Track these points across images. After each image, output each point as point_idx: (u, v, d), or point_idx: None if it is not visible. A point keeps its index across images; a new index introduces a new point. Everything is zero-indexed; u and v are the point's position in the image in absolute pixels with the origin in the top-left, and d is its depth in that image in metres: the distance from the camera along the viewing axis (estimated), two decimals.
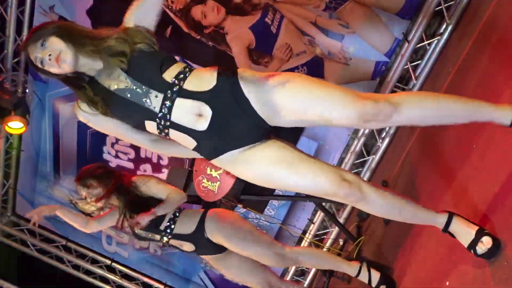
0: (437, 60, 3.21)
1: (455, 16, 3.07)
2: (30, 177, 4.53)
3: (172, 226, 2.51)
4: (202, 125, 1.54)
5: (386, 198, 1.56)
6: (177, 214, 2.54)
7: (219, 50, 3.51)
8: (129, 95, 1.56)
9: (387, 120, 1.45)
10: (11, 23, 3.77)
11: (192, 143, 1.59)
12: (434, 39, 3.20)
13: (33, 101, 4.06)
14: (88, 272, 4.64)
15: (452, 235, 1.63)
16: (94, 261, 4.62)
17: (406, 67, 3.31)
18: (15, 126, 3.83)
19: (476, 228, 1.57)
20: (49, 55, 1.56)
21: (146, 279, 4.59)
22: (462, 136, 2.17)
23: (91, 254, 4.60)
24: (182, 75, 1.55)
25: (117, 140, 4.09)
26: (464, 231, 1.58)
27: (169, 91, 1.53)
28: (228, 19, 3.41)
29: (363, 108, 1.44)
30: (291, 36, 3.40)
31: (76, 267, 4.64)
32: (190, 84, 1.54)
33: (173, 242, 2.58)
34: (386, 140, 3.51)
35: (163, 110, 1.54)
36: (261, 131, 1.57)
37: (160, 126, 1.57)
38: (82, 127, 4.12)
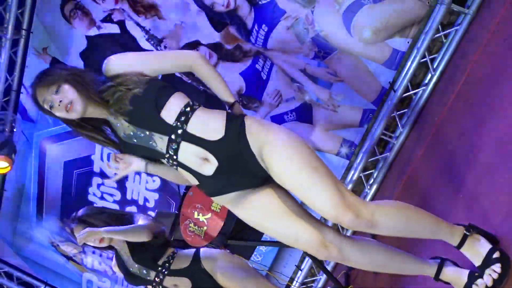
0: (423, 109, 3.29)
1: (440, 68, 3.18)
2: (11, 218, 4.42)
3: (171, 261, 2.52)
4: (207, 170, 1.57)
5: (369, 255, 1.59)
6: (175, 252, 2.59)
7: (210, 94, 3.55)
8: (135, 141, 1.59)
9: (360, 229, 1.51)
10: (3, 63, 3.80)
11: (196, 182, 1.64)
12: (420, 89, 3.29)
13: (20, 140, 4.03)
14: None
15: (445, 282, 1.61)
16: None
17: (392, 115, 3.38)
18: None
19: (467, 272, 1.55)
20: (60, 101, 1.58)
21: None
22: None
23: None
24: (183, 117, 1.53)
25: (103, 181, 4.04)
26: (455, 278, 1.57)
27: (173, 135, 1.54)
28: (219, 65, 3.48)
29: (343, 217, 1.47)
30: (281, 83, 3.47)
31: None
32: (195, 128, 1.53)
33: (168, 280, 2.54)
34: (374, 187, 3.53)
35: (169, 152, 1.57)
36: (260, 179, 1.61)
37: (169, 163, 1.62)
38: (68, 168, 4.08)
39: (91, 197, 4.13)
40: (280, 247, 3.76)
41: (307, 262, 3.80)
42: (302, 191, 1.49)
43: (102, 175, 4.00)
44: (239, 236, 2.66)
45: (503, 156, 1.77)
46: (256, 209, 1.60)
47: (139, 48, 3.47)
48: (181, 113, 1.53)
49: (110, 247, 2.60)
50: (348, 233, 2.86)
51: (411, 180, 2.89)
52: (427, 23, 3.09)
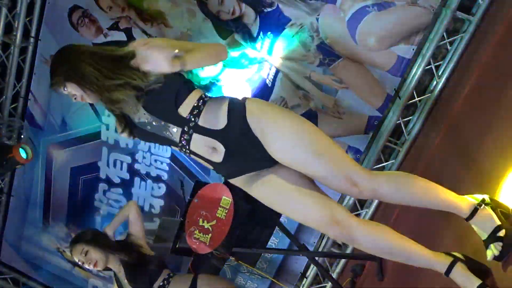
0: (428, 117, 3.28)
1: (445, 74, 3.18)
2: (18, 223, 4.45)
3: (166, 286, 2.52)
4: (217, 157, 1.68)
5: (377, 240, 1.59)
6: (171, 275, 2.56)
7: None
8: (149, 128, 1.69)
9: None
10: (12, 71, 3.84)
11: (210, 167, 1.76)
12: (425, 96, 3.29)
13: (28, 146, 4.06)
14: None
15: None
16: None
17: (398, 122, 3.38)
18: None
19: (479, 282, 1.53)
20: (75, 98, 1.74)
21: None
22: None
23: None
24: (196, 111, 1.65)
25: (109, 187, 4.07)
26: (465, 282, 1.55)
27: (186, 127, 1.65)
28: (225, 72, 3.50)
29: (350, 191, 1.59)
30: (286, 90, 3.48)
31: None
32: (204, 120, 1.65)
33: None
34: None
35: (182, 142, 1.68)
36: (269, 159, 1.66)
37: (182, 151, 1.72)
38: (75, 174, 4.11)
39: (97, 203, 4.15)
40: (286, 254, 3.75)
41: (312, 269, 3.79)
42: (310, 174, 1.60)
43: (108, 181, 4.02)
44: (244, 244, 2.67)
45: (507, 159, 1.76)
46: (269, 188, 1.66)
47: None
48: (194, 107, 1.65)
49: (107, 268, 2.64)
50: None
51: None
52: (432, 30, 3.09)
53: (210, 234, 2.60)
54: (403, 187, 1.59)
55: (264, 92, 3.50)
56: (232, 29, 3.36)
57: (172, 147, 1.75)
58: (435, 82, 3.25)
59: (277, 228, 3.07)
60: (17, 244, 4.51)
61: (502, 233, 1.51)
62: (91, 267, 2.53)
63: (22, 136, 4.03)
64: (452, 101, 2.89)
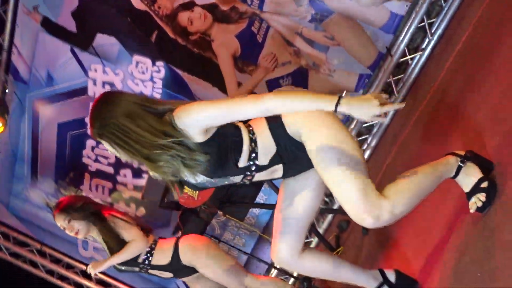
0: (419, 75, 3.27)
1: (438, 32, 3.14)
2: (6, 179, 4.43)
3: (150, 258, 2.56)
4: (278, 175, 1.68)
5: (317, 263, 1.76)
6: (153, 246, 2.60)
7: (205, 57, 3.51)
8: (207, 184, 1.65)
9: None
10: None
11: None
12: (417, 54, 3.26)
13: (13, 101, 3.99)
14: (63, 278, 4.54)
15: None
16: (69, 266, 4.53)
17: (388, 80, 3.36)
18: None
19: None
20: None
21: (122, 286, 4.51)
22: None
23: (66, 259, 4.50)
24: (253, 155, 1.60)
25: (97, 143, 4.04)
26: None
27: (247, 171, 1.62)
28: (215, 26, 3.42)
29: (362, 221, 1.53)
30: (277, 46, 3.42)
31: (51, 272, 4.54)
32: (262, 159, 1.61)
33: (152, 271, 2.67)
34: (367, 152, 3.55)
35: (244, 181, 1.67)
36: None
37: (242, 182, 1.69)
38: (62, 130, 4.06)
39: (85, 159, 4.14)
40: (274, 209, 3.80)
41: None
42: (330, 187, 1.57)
43: None
44: (232, 199, 2.69)
45: (498, 117, 1.78)
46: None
47: (131, 8, 3.39)
48: (250, 155, 1.60)
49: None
50: None
51: (405, 145, 2.91)
52: None
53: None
54: (411, 193, 1.57)
55: (254, 48, 3.43)
56: None
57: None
58: (427, 40, 3.21)
59: (265, 184, 3.09)
60: (6, 200, 4.51)
61: (485, 184, 1.55)
62: (72, 235, 2.55)
63: (6, 91, 3.95)
64: (443, 60, 2.87)
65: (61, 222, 2.54)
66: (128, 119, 1.45)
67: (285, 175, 1.69)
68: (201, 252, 2.57)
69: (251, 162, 1.60)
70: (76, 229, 2.52)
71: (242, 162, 1.59)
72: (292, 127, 1.59)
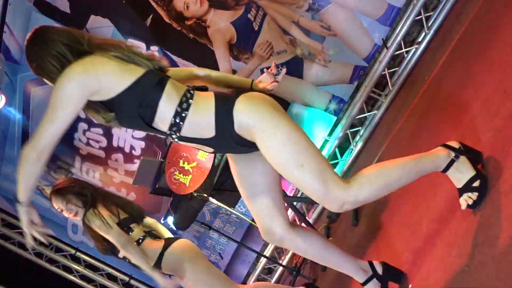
0: (414, 68, 3.27)
1: (434, 26, 3.14)
2: None
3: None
4: (207, 149, 1.66)
5: (308, 245, 1.77)
6: (141, 237, 2.55)
7: (200, 43, 3.48)
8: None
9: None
10: None
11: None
12: (413, 47, 3.26)
13: (4, 81, 3.93)
14: (51, 261, 4.53)
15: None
16: (58, 250, 4.52)
17: (383, 73, 3.36)
18: None
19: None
20: None
21: (111, 270, 4.52)
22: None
23: (55, 242, 4.49)
24: (175, 128, 1.54)
25: (89, 127, 4.00)
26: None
27: (169, 137, 1.59)
28: (211, 12, 3.38)
29: (328, 207, 1.54)
30: (273, 34, 3.39)
31: (39, 255, 4.52)
32: (188, 132, 1.55)
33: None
34: (360, 144, 3.55)
35: (170, 139, 1.63)
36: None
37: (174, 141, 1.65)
38: None
39: (76, 143, 4.10)
40: None
41: (291, 215, 3.88)
42: (291, 180, 1.56)
43: (89, 120, 3.96)
44: (224, 186, 2.69)
45: (491, 112, 1.78)
46: (247, 176, 1.69)
47: None
48: (172, 125, 1.53)
49: None
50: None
51: (398, 137, 2.91)
52: None
53: (190, 176, 2.61)
54: (379, 182, 1.55)
55: (250, 35, 3.41)
56: None
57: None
58: (423, 33, 3.20)
59: None
60: None
61: (477, 183, 1.55)
62: (69, 216, 2.53)
63: None
64: (438, 53, 2.87)
65: (59, 204, 2.52)
66: (56, 59, 1.57)
67: (216, 151, 1.70)
68: (184, 259, 2.44)
69: (173, 132, 1.55)
70: (75, 210, 2.51)
71: (161, 124, 1.54)
72: (240, 117, 1.51)
